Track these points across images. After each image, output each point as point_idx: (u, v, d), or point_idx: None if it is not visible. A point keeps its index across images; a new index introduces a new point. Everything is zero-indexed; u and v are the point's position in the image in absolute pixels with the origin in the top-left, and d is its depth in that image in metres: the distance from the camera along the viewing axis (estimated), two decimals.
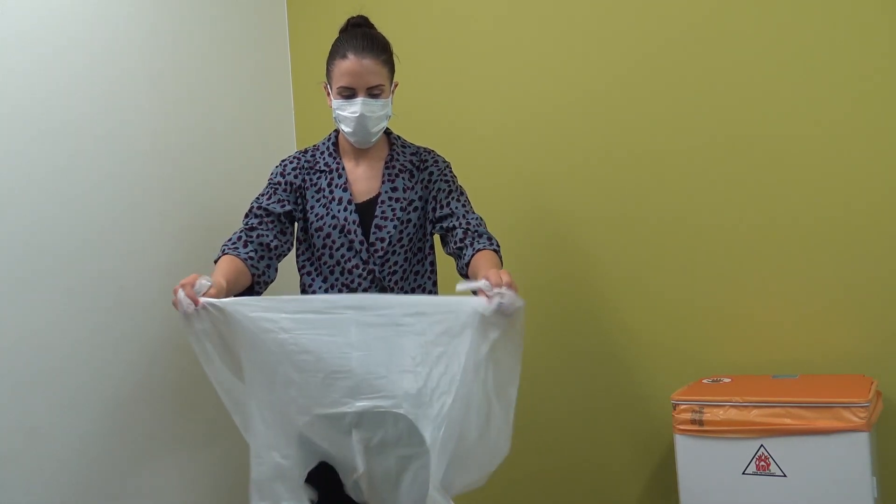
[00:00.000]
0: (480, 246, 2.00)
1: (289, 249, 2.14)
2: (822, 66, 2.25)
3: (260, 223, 2.08)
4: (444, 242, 2.12)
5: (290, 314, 1.79)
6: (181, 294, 1.74)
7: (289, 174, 2.14)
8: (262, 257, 2.05)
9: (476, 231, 2.05)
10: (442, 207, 2.10)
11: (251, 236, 2.06)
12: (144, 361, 2.35)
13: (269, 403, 1.79)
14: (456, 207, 2.09)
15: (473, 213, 2.11)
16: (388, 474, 1.84)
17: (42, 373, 2.09)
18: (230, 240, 2.06)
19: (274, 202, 2.10)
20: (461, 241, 2.04)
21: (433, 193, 2.12)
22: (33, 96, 2.13)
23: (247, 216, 2.11)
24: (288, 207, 2.11)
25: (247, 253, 2.02)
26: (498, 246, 2.05)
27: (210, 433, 2.53)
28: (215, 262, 2.02)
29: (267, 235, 2.07)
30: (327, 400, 1.79)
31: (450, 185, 2.13)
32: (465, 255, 2.01)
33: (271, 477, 1.78)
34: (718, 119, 2.37)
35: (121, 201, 2.33)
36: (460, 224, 2.06)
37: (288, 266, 2.25)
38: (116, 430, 2.26)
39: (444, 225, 2.09)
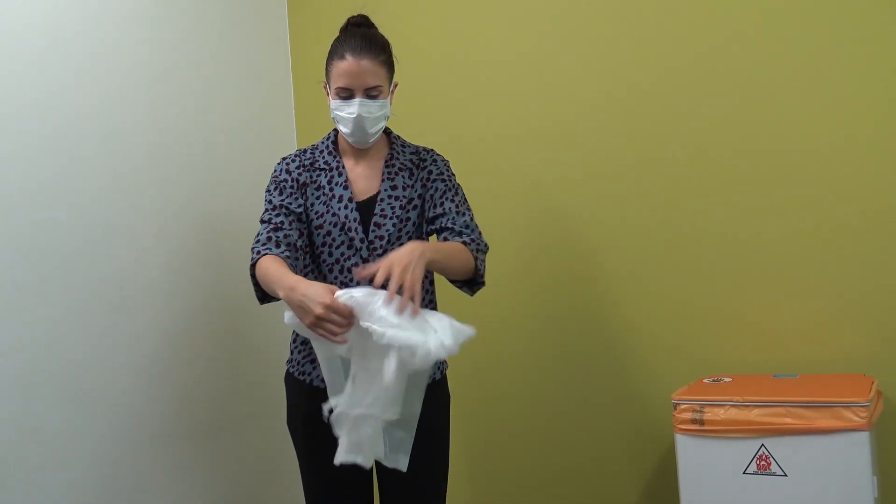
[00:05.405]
0: (456, 241, 2.00)
1: (308, 249, 2.08)
2: (827, 70, 2.24)
3: (283, 222, 2.03)
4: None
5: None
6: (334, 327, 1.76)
7: (293, 171, 2.11)
8: (295, 258, 2.00)
9: (459, 232, 2.04)
10: (436, 207, 2.09)
11: (279, 236, 2.00)
12: (146, 362, 2.36)
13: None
14: (449, 208, 2.07)
15: (465, 214, 2.08)
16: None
17: (44, 373, 2.09)
18: (259, 241, 2.01)
19: (289, 199, 2.06)
20: (445, 241, 2.04)
21: (430, 192, 2.11)
22: (32, 97, 2.13)
23: (267, 213, 2.06)
24: (301, 202, 2.07)
25: (282, 253, 1.97)
26: (477, 245, 2.03)
27: (211, 432, 2.54)
28: (252, 266, 1.97)
29: (292, 235, 2.02)
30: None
31: (446, 185, 2.12)
32: None
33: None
34: (719, 122, 2.37)
35: (121, 202, 2.33)
36: (447, 225, 2.05)
37: None
38: (118, 429, 2.27)
39: (435, 225, 2.08)
